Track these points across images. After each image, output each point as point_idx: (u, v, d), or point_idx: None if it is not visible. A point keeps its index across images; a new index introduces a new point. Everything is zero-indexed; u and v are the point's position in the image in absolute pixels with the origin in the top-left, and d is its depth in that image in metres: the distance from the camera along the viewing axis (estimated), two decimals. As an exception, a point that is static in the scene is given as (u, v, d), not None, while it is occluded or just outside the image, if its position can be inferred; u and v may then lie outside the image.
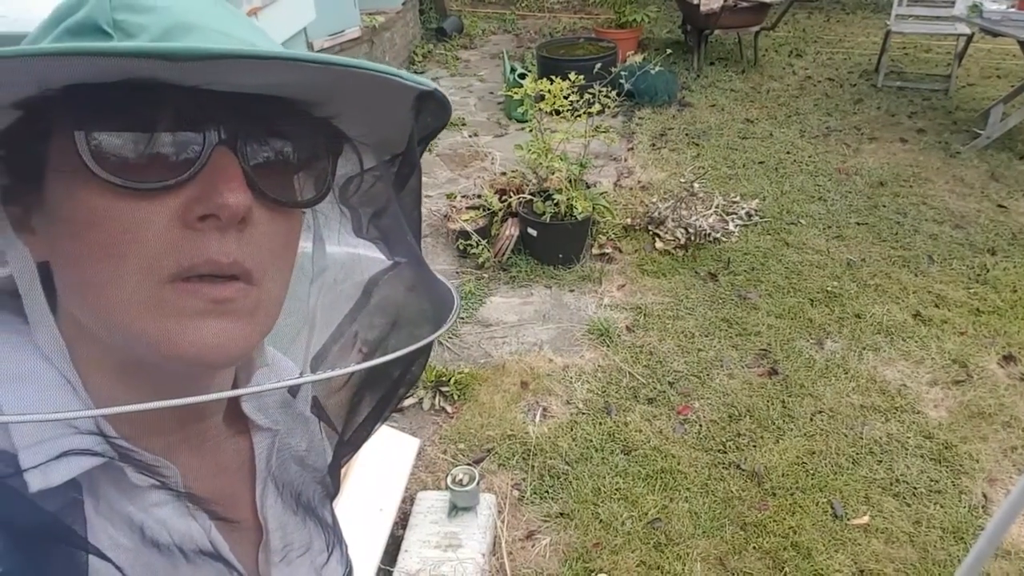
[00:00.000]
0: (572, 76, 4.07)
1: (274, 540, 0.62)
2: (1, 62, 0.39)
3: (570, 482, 2.74)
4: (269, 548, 0.62)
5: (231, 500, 0.60)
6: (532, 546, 2.52)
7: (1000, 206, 4.53)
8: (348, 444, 0.68)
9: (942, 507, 2.63)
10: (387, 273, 0.66)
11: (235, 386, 0.63)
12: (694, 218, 4.15)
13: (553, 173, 3.98)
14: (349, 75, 0.47)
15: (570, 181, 3.96)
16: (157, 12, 0.45)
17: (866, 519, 2.59)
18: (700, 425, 2.99)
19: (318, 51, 5.82)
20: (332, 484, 0.69)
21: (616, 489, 2.71)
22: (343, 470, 0.69)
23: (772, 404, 3.08)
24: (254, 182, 0.48)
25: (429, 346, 0.61)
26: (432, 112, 0.55)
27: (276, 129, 0.50)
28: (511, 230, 3.99)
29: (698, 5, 6.35)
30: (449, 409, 3.08)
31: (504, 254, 3.98)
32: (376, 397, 0.67)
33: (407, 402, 3.10)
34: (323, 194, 0.55)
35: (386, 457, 2.65)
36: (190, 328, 0.46)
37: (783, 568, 2.43)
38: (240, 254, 0.47)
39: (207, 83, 0.44)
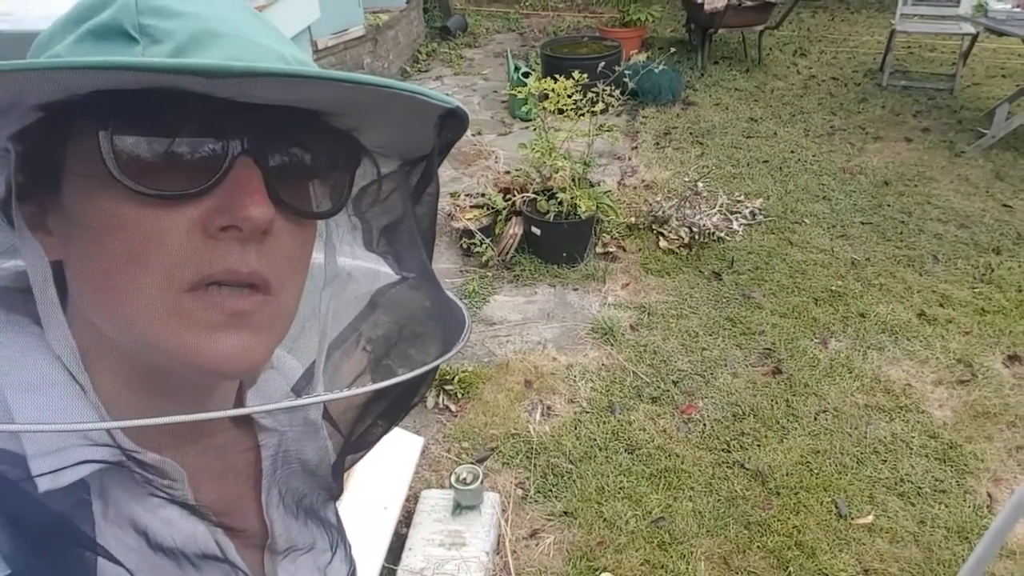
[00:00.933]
0: (576, 75, 4.07)
1: (279, 541, 0.62)
2: (30, 74, 0.39)
3: (574, 481, 2.74)
4: (274, 548, 0.62)
5: (236, 501, 0.60)
6: (536, 545, 2.52)
7: (1005, 205, 4.52)
8: (354, 448, 0.68)
9: (947, 507, 2.63)
10: (398, 287, 0.66)
11: (240, 387, 0.63)
12: (698, 217, 4.14)
13: (557, 172, 3.98)
14: (379, 94, 0.47)
15: (574, 180, 3.96)
16: (184, 18, 0.45)
17: (870, 518, 2.59)
18: (704, 424, 2.99)
19: (322, 49, 5.83)
20: (336, 485, 0.69)
21: (620, 488, 2.71)
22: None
23: (776, 403, 3.08)
24: (276, 193, 0.48)
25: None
26: (452, 128, 0.55)
27: (299, 140, 0.50)
28: (515, 229, 3.99)
29: (702, 4, 6.34)
30: (453, 408, 3.08)
31: (508, 253, 3.98)
32: (383, 407, 0.67)
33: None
34: (341, 205, 0.55)
35: (390, 455, 2.65)
36: (209, 340, 0.46)
37: (787, 567, 2.43)
38: (259, 264, 0.47)
39: (236, 96, 0.44)
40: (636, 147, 5.40)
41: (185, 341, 0.46)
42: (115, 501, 0.50)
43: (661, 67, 4.99)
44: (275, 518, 0.62)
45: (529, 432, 2.95)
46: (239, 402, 0.62)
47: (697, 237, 4.10)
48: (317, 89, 0.45)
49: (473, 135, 5.59)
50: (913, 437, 2.91)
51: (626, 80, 4.55)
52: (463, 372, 3.20)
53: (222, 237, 0.46)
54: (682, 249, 4.08)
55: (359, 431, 0.67)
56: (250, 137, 0.46)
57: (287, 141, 0.49)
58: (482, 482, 2.48)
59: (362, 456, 0.69)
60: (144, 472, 0.50)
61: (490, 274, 3.97)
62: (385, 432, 0.68)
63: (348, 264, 0.66)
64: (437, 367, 0.61)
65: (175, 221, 0.45)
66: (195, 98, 0.43)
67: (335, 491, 0.69)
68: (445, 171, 5.15)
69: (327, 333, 0.64)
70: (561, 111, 4.02)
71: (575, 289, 3.85)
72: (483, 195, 4.30)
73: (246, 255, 0.47)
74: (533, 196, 4.02)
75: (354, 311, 0.68)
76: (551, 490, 2.72)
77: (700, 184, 4.33)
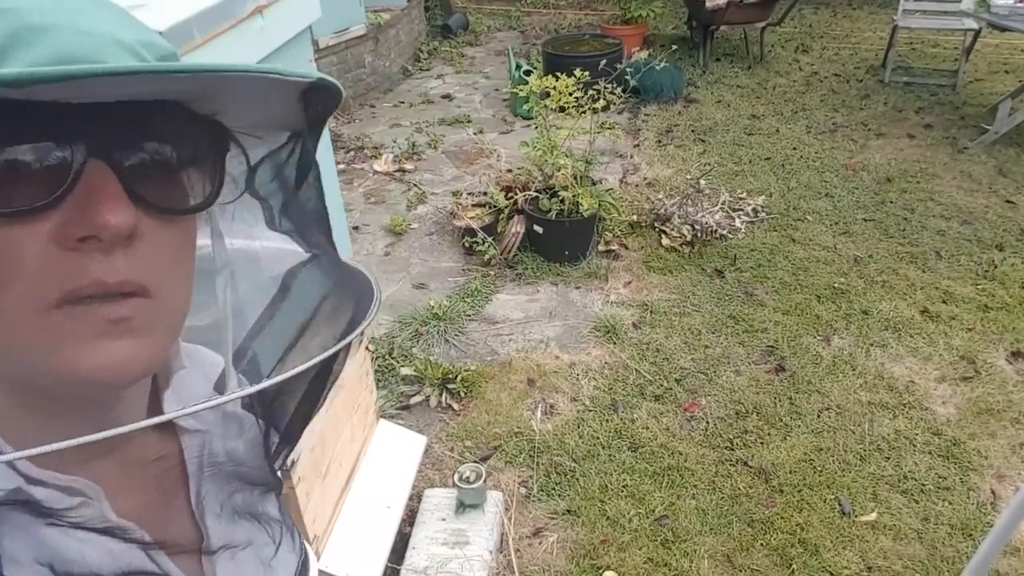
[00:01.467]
0: (578, 73, 4.07)
1: (214, 541, 0.60)
2: None
3: (577, 479, 2.74)
4: (209, 549, 0.60)
5: (164, 507, 0.58)
6: (539, 543, 2.52)
7: (1008, 202, 4.51)
8: (284, 436, 0.66)
9: (950, 504, 2.62)
10: (308, 265, 0.64)
11: (155, 389, 0.60)
12: (700, 215, 4.14)
13: (559, 170, 3.98)
14: (220, 79, 0.44)
15: (576, 178, 3.95)
16: (1, 15, 0.41)
17: (874, 516, 2.59)
18: (707, 422, 2.99)
19: (323, 48, 5.83)
20: (273, 477, 0.66)
21: (623, 486, 2.71)
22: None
23: (779, 401, 3.08)
24: (136, 194, 0.44)
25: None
26: (322, 100, 0.52)
27: (155, 134, 0.46)
28: (517, 227, 3.99)
29: (704, 1, 6.34)
30: (456, 406, 3.08)
31: (510, 251, 3.98)
32: (305, 389, 0.64)
33: (414, 399, 3.10)
34: (214, 194, 0.52)
35: (393, 454, 2.65)
36: (88, 352, 0.44)
37: (791, 565, 2.43)
38: (130, 271, 0.44)
39: (66, 98, 0.40)
40: (638, 145, 5.39)
41: (63, 358, 0.43)
42: (24, 526, 0.46)
43: (663, 64, 4.99)
44: (208, 520, 0.60)
45: (532, 430, 2.95)
46: (154, 405, 0.60)
47: (699, 235, 4.09)
48: (150, 83, 0.41)
49: (475, 134, 5.59)
50: (916, 434, 2.90)
51: (628, 78, 4.55)
52: (466, 371, 3.20)
53: (83, 248, 0.42)
54: (684, 247, 4.08)
55: (286, 418, 0.65)
56: (97, 139, 0.42)
57: (141, 136, 0.45)
58: (485, 481, 2.48)
59: (295, 444, 0.67)
60: (52, 492, 0.47)
61: (492, 273, 3.97)
62: (313, 414, 0.66)
63: (254, 246, 0.63)
64: (351, 342, 0.59)
65: (27, 238, 0.42)
66: (24, 105, 0.39)
67: (273, 483, 0.66)
68: (447, 170, 5.15)
69: (228, 323, 0.62)
70: (563, 109, 4.02)
71: (577, 287, 3.85)
72: (485, 194, 4.30)
73: (113, 264, 0.43)
74: (535, 194, 4.02)
75: (269, 294, 0.65)
76: (554, 488, 2.72)
77: (702, 182, 4.32)
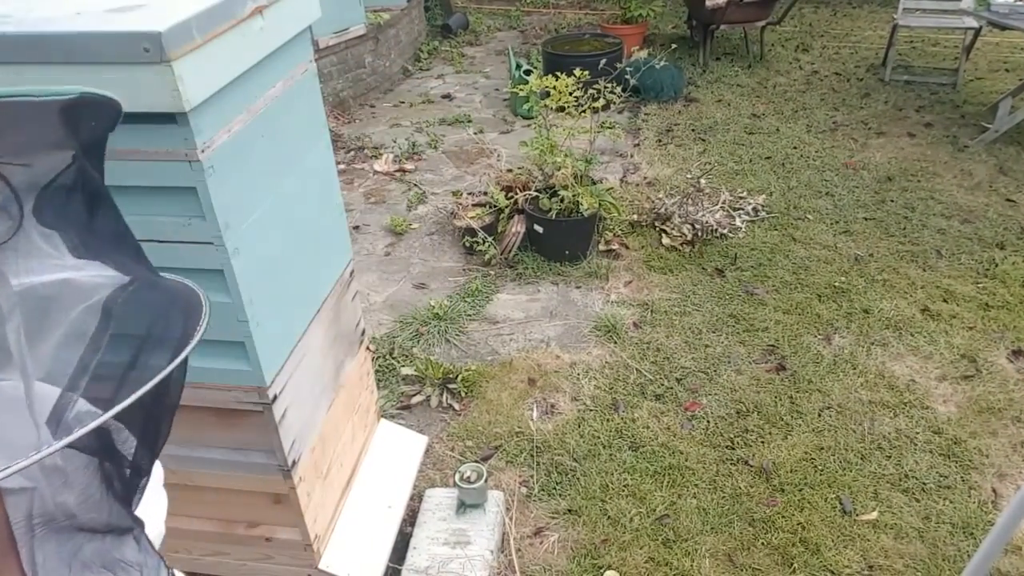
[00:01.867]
0: (578, 72, 4.07)
1: None
2: None
3: (578, 479, 2.74)
4: None
5: None
6: (540, 543, 2.52)
7: (1009, 200, 4.51)
8: (135, 469, 0.60)
9: (951, 502, 2.62)
10: (124, 290, 0.58)
11: None
12: (701, 214, 4.14)
13: (559, 169, 3.98)
14: None
15: (576, 177, 3.96)
16: None
17: (875, 515, 2.59)
18: (708, 421, 2.98)
19: (323, 48, 5.83)
20: (127, 518, 0.60)
21: (624, 485, 2.71)
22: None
23: (780, 400, 3.08)
24: None
25: (186, 359, 0.54)
26: (95, 116, 0.48)
27: None
28: (517, 227, 3.99)
29: (703, 0, 6.33)
30: (456, 406, 3.08)
31: (511, 251, 3.98)
32: (146, 415, 0.59)
33: (415, 399, 3.10)
34: None
35: (394, 454, 2.65)
36: None
37: (792, 564, 2.43)
38: None
39: None
40: (638, 144, 5.39)
41: None
42: None
43: (663, 64, 4.99)
44: None
45: (533, 430, 2.95)
46: None
47: (700, 234, 4.09)
48: None
49: (475, 133, 5.59)
50: (917, 433, 2.90)
51: (628, 77, 4.54)
52: (466, 371, 3.20)
53: None
54: (685, 246, 4.07)
55: (133, 450, 0.58)
56: None
57: None
58: (486, 480, 2.48)
59: (147, 476, 0.61)
60: None
61: (493, 272, 3.97)
62: (162, 440, 0.60)
63: (63, 278, 0.56)
64: (187, 358, 0.54)
65: None
66: None
67: (125, 524, 0.60)
68: (447, 170, 5.15)
69: (28, 371, 0.55)
70: (562, 108, 4.02)
71: (578, 287, 3.85)
72: (485, 193, 4.30)
73: None
74: (535, 194, 4.02)
75: (90, 326, 0.58)
76: (555, 488, 2.72)
77: (703, 181, 4.32)
